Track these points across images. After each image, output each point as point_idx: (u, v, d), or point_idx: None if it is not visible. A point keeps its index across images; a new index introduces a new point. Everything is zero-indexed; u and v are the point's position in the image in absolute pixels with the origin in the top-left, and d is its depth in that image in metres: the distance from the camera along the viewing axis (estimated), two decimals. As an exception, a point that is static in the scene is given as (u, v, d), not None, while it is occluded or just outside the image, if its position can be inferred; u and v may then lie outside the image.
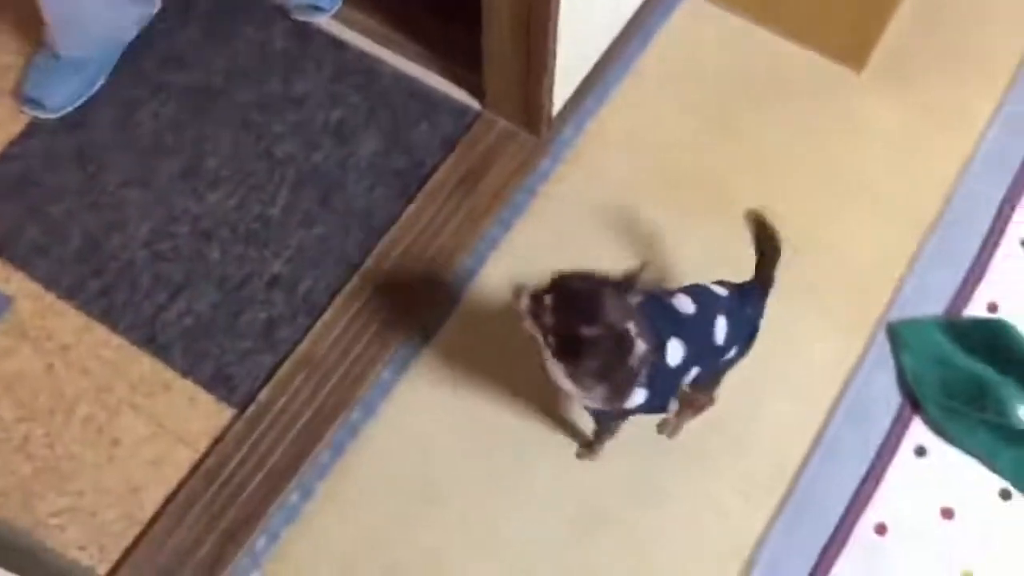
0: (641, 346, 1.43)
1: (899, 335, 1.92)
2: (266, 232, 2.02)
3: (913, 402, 1.87)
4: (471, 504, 1.80)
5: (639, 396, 1.50)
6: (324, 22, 2.23)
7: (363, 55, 2.20)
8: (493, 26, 1.93)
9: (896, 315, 1.95)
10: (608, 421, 1.70)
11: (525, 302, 1.45)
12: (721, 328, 1.55)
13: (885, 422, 1.86)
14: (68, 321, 1.93)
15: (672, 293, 1.58)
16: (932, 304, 1.97)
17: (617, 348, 1.42)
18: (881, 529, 1.78)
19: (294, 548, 1.76)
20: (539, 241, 2.03)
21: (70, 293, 1.95)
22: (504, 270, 2.00)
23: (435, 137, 2.13)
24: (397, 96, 2.16)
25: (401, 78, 2.18)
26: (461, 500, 1.80)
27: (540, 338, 1.46)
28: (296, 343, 1.92)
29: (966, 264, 1.99)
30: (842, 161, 2.10)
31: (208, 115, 2.13)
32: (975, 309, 1.95)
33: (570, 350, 1.43)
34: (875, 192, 2.07)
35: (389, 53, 2.20)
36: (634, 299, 1.48)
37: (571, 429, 1.85)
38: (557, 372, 1.49)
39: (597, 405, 1.54)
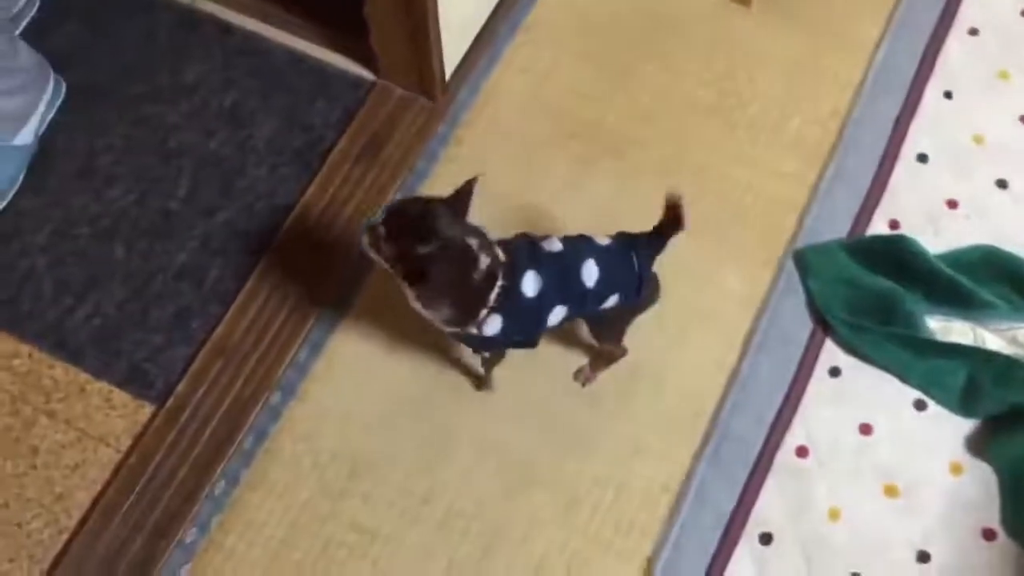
0: (484, 260, 1.46)
1: (805, 260, 1.95)
2: (169, 224, 2.00)
3: (824, 325, 1.90)
4: (399, 474, 1.80)
5: (495, 322, 1.52)
6: (209, 6, 2.19)
7: (251, 36, 2.17)
8: (373, -6, 1.92)
9: (803, 242, 1.98)
10: (482, 349, 1.71)
11: (364, 238, 1.48)
12: (590, 271, 1.55)
13: (798, 347, 1.89)
14: (-26, 335, 1.91)
15: (546, 237, 1.60)
16: (836, 228, 1.99)
17: (459, 263, 1.46)
18: (802, 452, 1.81)
19: (225, 538, 1.76)
20: (445, 205, 2.02)
21: (-27, 307, 1.92)
22: (413, 238, 1.99)
23: (332, 111, 2.11)
24: (290, 74, 2.14)
25: (292, 56, 2.16)
26: (388, 471, 1.81)
27: (387, 268, 1.49)
28: (209, 332, 1.91)
29: (866, 185, 2.02)
30: (738, 95, 2.12)
31: (98, 112, 2.09)
32: (877, 228, 1.99)
33: (413, 272, 1.47)
34: (772, 122, 2.09)
35: (278, 32, 2.18)
36: (508, 237, 1.53)
37: (464, 368, 1.87)
38: (411, 298, 1.52)
39: (452, 328, 1.56)
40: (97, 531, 1.76)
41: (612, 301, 1.60)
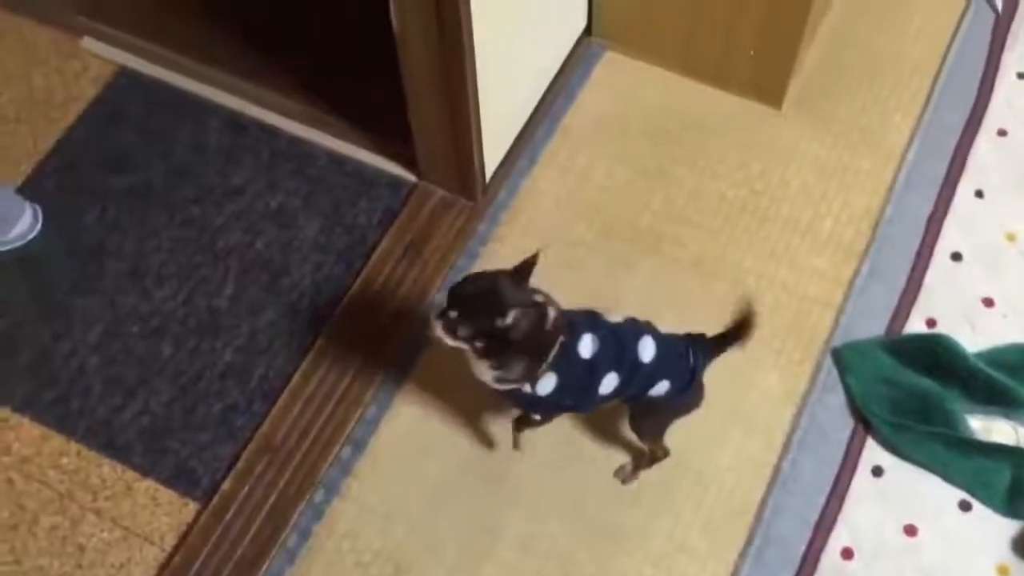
0: (552, 313, 1.51)
1: (844, 359, 1.96)
2: (216, 323, 2.04)
3: (865, 423, 1.90)
4: (441, 573, 1.80)
5: (549, 381, 1.55)
6: (256, 111, 2.27)
7: (297, 139, 2.25)
8: (417, 100, 1.98)
9: (840, 339, 1.99)
10: (532, 411, 1.71)
11: (437, 327, 1.52)
12: (647, 347, 1.59)
13: (840, 446, 1.89)
14: (25, 433, 1.94)
15: (608, 310, 1.64)
16: (873, 326, 2.01)
17: (533, 322, 1.50)
18: (847, 553, 1.80)
19: (269, 637, 1.76)
20: (486, 304, 2.06)
21: (25, 405, 1.96)
22: (454, 336, 2.03)
23: (375, 212, 2.17)
24: (333, 176, 2.21)
25: (336, 158, 2.23)
26: (431, 570, 1.81)
27: (467, 347, 1.53)
28: (254, 430, 1.94)
29: (901, 283, 2.04)
30: (771, 195, 2.16)
31: (149, 214, 2.16)
32: (914, 326, 2.00)
33: (494, 347, 1.50)
34: (806, 221, 2.12)
35: (322, 135, 2.25)
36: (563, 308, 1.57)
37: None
38: (480, 368, 1.55)
39: (510, 386, 1.57)
40: (141, 632, 1.77)
41: (662, 388, 1.62)
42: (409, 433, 1.93)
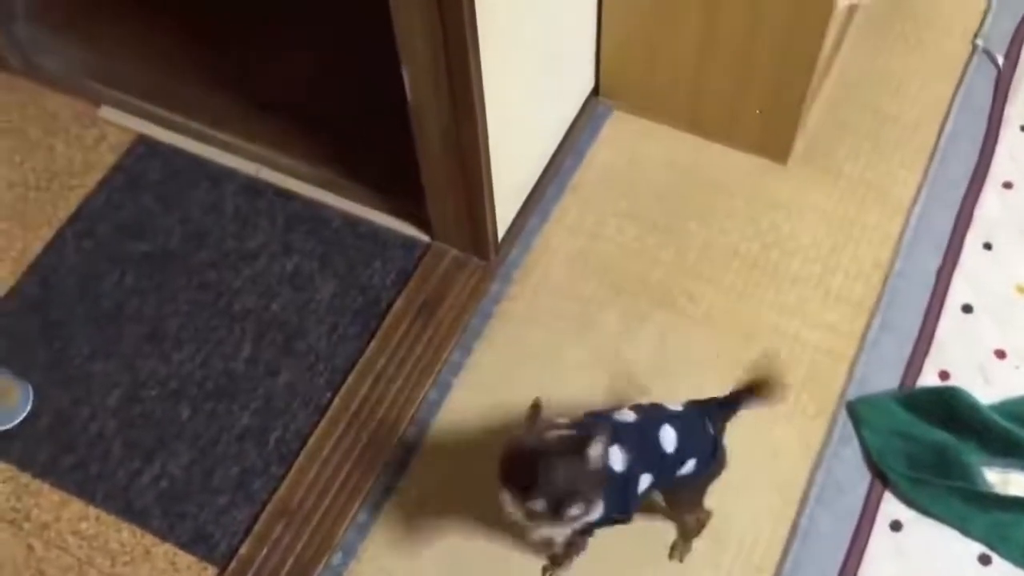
0: (596, 448, 1.46)
1: (858, 413, 1.96)
2: (233, 386, 2.06)
3: (882, 478, 1.90)
4: (461, 635, 1.80)
5: (599, 507, 1.52)
6: (270, 175, 2.32)
7: (311, 202, 2.29)
8: (430, 163, 2.02)
9: (854, 393, 2.00)
10: (585, 537, 1.71)
11: (539, 532, 1.49)
12: (669, 437, 1.58)
13: (858, 500, 1.89)
14: (44, 499, 1.95)
15: (616, 408, 1.63)
16: (886, 379, 2.02)
17: (580, 465, 1.45)
18: (868, 610, 1.79)
19: None
20: (500, 361, 2.08)
21: (44, 471, 1.97)
22: (469, 394, 2.04)
23: (389, 273, 2.19)
24: (348, 238, 2.24)
25: (350, 220, 2.26)
26: (450, 632, 1.81)
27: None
28: (272, 493, 1.94)
29: (913, 336, 2.06)
30: (781, 249, 2.18)
31: (167, 278, 2.19)
32: (928, 378, 2.01)
33: (558, 504, 1.45)
34: (816, 275, 2.14)
35: (336, 198, 2.29)
36: (578, 417, 1.55)
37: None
38: (546, 532, 1.51)
39: (575, 528, 1.54)
40: None
41: (689, 466, 1.62)
42: (426, 493, 1.94)
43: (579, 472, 1.45)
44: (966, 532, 1.84)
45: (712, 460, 1.65)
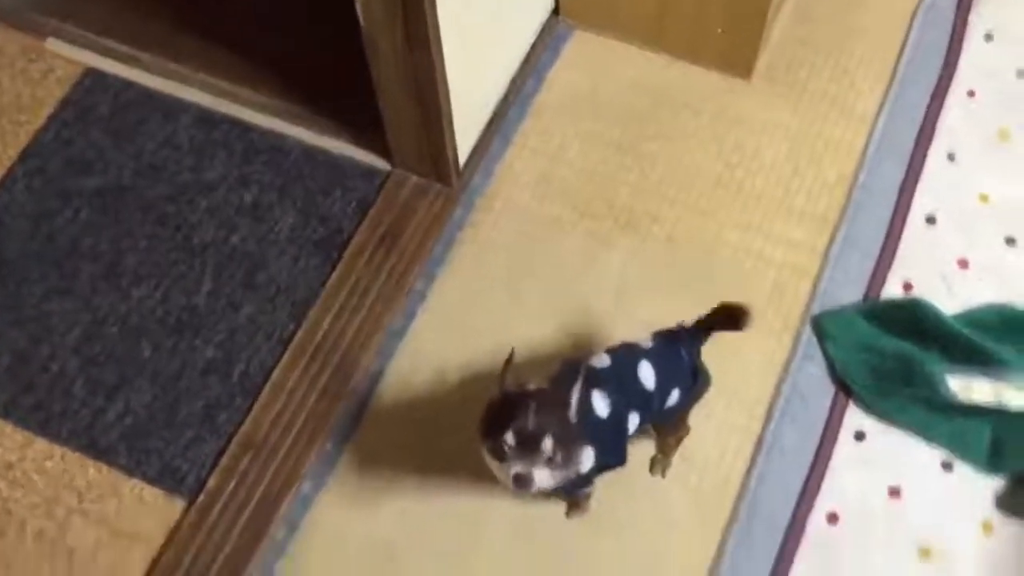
0: (572, 400, 1.47)
1: (822, 328, 1.97)
2: (194, 320, 2.04)
3: (846, 390, 1.92)
4: (432, 559, 1.81)
5: (588, 456, 1.52)
6: (226, 106, 2.26)
7: (268, 133, 2.24)
8: (385, 89, 1.97)
9: (818, 308, 2.00)
10: (580, 488, 1.71)
11: (504, 467, 1.46)
12: (647, 374, 1.58)
13: (822, 414, 1.91)
14: (7, 439, 1.93)
15: (591, 354, 1.62)
16: (850, 292, 2.02)
17: (557, 410, 1.46)
18: (833, 518, 1.81)
19: (262, 630, 1.76)
20: (465, 288, 2.06)
21: (5, 411, 1.95)
22: (434, 322, 2.03)
23: (349, 202, 2.16)
24: (306, 168, 2.20)
25: (308, 150, 2.22)
26: (422, 557, 1.81)
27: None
28: (238, 426, 1.93)
29: (876, 249, 2.05)
30: (745, 167, 2.16)
31: (123, 214, 2.15)
32: (891, 290, 2.01)
33: (528, 441, 1.44)
34: (780, 192, 2.13)
35: (293, 127, 2.24)
36: (553, 370, 1.55)
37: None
38: (546, 478, 1.48)
39: (562, 481, 1.52)
40: (134, 631, 1.77)
41: (674, 397, 1.62)
42: (395, 420, 1.93)
43: (553, 413, 1.44)
44: (929, 440, 1.86)
45: (695, 385, 1.65)
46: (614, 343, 1.68)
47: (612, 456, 1.60)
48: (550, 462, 1.44)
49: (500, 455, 1.45)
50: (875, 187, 2.12)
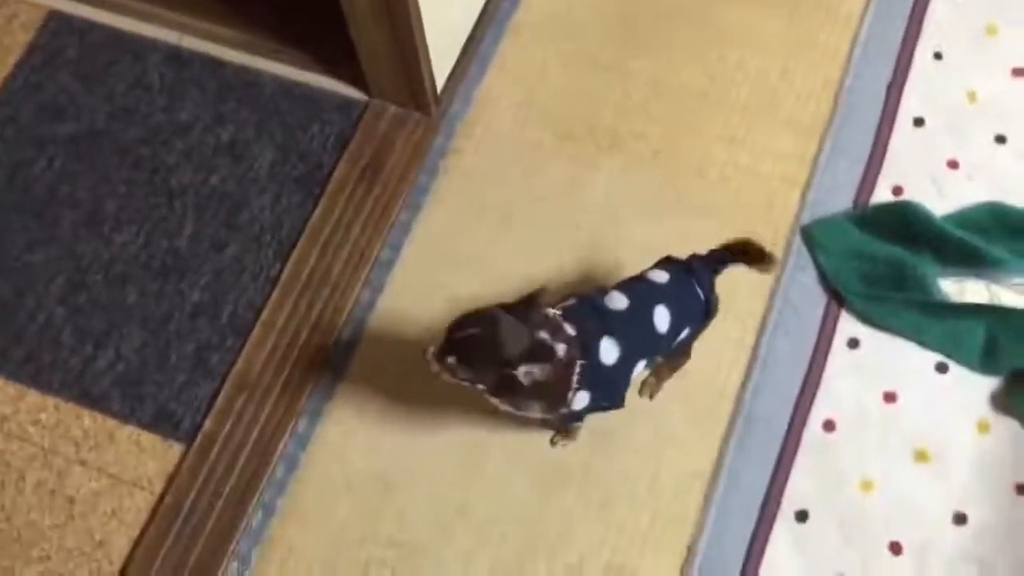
0: (561, 349, 1.44)
1: (813, 236, 1.95)
2: (179, 263, 2.01)
3: (838, 298, 1.91)
4: (431, 486, 1.82)
5: (582, 398, 1.51)
6: (195, 43, 2.21)
7: (241, 69, 2.19)
8: (356, 15, 1.92)
9: (808, 217, 1.98)
10: (571, 422, 1.72)
11: (435, 367, 1.47)
12: (662, 317, 1.54)
13: (815, 322, 1.90)
14: (0, 393, 1.92)
15: (605, 292, 1.58)
16: (840, 200, 2.00)
17: (539, 360, 1.43)
18: (829, 426, 1.82)
19: (267, 568, 1.77)
20: (450, 217, 2.04)
21: (-5, 365, 1.94)
22: (421, 252, 2.01)
23: (328, 136, 2.12)
24: (283, 103, 2.15)
25: (283, 84, 2.17)
26: (420, 485, 1.82)
27: (469, 386, 1.48)
28: (230, 367, 1.92)
29: (865, 154, 2.03)
30: (730, 79, 2.12)
31: (98, 159, 2.11)
32: (881, 195, 1.99)
33: (499, 388, 1.46)
34: (766, 102, 2.09)
35: (266, 62, 2.19)
36: (566, 302, 1.51)
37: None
38: (496, 404, 1.51)
39: (543, 416, 1.56)
40: (141, 574, 1.78)
41: (685, 334, 1.61)
42: (387, 353, 1.92)
43: (507, 347, 1.42)
44: (922, 343, 1.86)
45: (704, 319, 1.63)
46: (627, 277, 1.62)
47: (609, 400, 1.58)
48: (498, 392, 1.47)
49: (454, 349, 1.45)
50: (862, 91, 2.08)
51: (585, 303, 1.55)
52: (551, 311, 1.50)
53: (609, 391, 1.57)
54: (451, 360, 1.44)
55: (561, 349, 1.45)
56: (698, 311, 1.61)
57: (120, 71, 2.18)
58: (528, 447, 1.83)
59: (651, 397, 1.85)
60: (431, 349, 1.47)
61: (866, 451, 1.80)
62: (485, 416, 1.85)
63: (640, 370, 1.59)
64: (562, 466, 1.82)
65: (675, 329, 1.58)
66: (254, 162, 2.10)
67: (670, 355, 1.73)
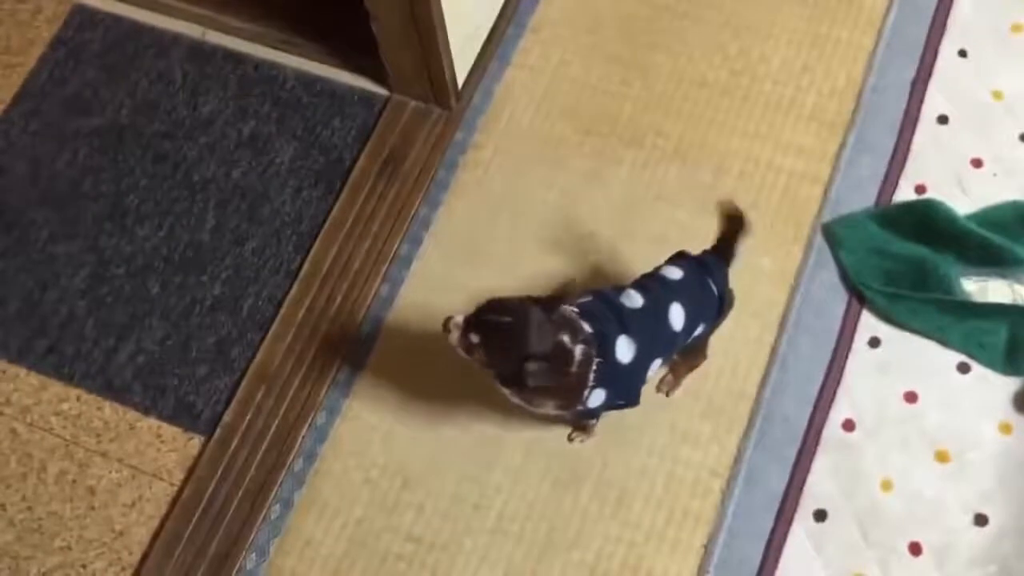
0: (579, 351, 1.45)
1: (834, 234, 1.94)
2: (200, 257, 2.03)
3: (859, 297, 1.89)
4: (449, 482, 1.82)
5: (598, 396, 1.51)
6: (218, 38, 2.22)
7: (263, 64, 2.20)
8: (379, 10, 1.92)
9: (830, 215, 1.97)
10: (585, 419, 1.72)
11: (455, 337, 1.47)
12: (677, 315, 1.54)
13: (836, 321, 1.89)
14: (23, 384, 1.94)
15: (622, 289, 1.58)
16: (863, 198, 1.98)
17: (554, 364, 1.44)
18: (849, 425, 1.81)
19: (285, 560, 1.78)
20: (470, 212, 2.04)
21: (19, 356, 1.96)
22: (441, 246, 2.01)
23: (349, 130, 2.12)
24: (304, 98, 2.16)
25: (304, 79, 2.18)
26: (438, 480, 1.82)
27: (479, 367, 1.48)
28: (250, 359, 1.93)
29: (888, 152, 2.01)
30: (751, 74, 2.11)
31: (121, 153, 2.12)
32: (904, 194, 1.97)
33: (511, 380, 1.47)
34: (788, 98, 2.08)
35: (287, 56, 2.20)
36: (583, 298, 1.51)
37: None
38: (506, 394, 1.51)
39: (557, 412, 1.56)
40: (159, 565, 1.79)
41: (700, 330, 1.61)
42: (406, 347, 1.93)
43: (530, 343, 1.43)
44: (944, 343, 1.85)
45: (719, 315, 1.62)
46: (642, 274, 1.63)
47: (625, 398, 1.58)
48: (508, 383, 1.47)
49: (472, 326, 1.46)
50: (886, 88, 2.06)
51: (602, 300, 1.55)
52: (569, 308, 1.50)
53: (625, 389, 1.57)
54: (474, 338, 1.45)
55: (579, 352, 1.46)
56: (712, 307, 1.61)
57: (143, 65, 2.20)
58: (545, 443, 1.83)
59: (668, 394, 1.84)
60: (457, 319, 1.47)
61: (886, 451, 1.79)
62: (502, 412, 1.85)
63: (656, 368, 1.59)
64: (579, 463, 1.82)
65: (690, 326, 1.58)
66: (275, 156, 2.11)
67: (686, 352, 1.72)
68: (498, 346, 1.45)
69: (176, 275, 2.01)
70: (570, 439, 1.82)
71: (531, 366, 1.41)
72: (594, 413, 1.63)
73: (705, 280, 1.59)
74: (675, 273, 1.59)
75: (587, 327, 1.48)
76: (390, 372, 1.91)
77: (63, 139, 2.14)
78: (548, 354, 1.43)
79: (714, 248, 1.64)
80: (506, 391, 1.52)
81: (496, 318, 1.45)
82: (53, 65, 2.21)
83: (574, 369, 1.46)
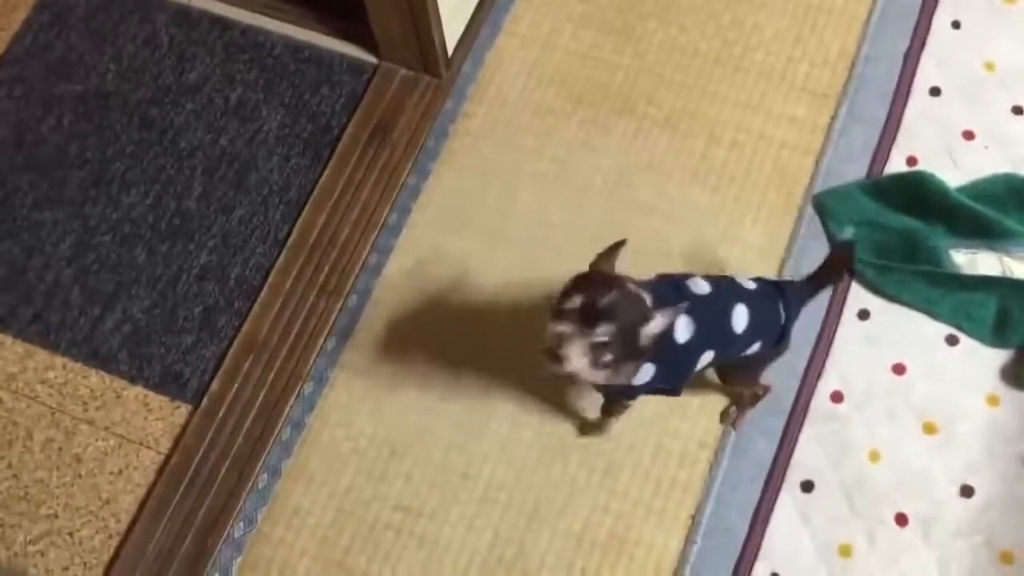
0: (658, 320, 1.39)
1: (825, 205, 1.93)
2: (187, 225, 2.01)
3: (849, 269, 1.89)
4: (437, 451, 1.82)
5: (647, 371, 1.47)
6: (204, 3, 2.19)
7: (249, 29, 2.17)
8: (367, -25, 1.90)
9: (821, 186, 1.96)
10: (618, 398, 1.68)
11: (579, 356, 1.37)
12: (740, 316, 1.50)
13: (825, 292, 1.88)
14: (8, 351, 1.93)
15: (689, 276, 1.54)
16: (854, 169, 1.97)
17: (633, 314, 1.37)
18: (837, 397, 1.81)
19: (273, 529, 1.78)
20: (460, 181, 2.02)
21: (4, 324, 1.94)
22: (430, 216, 1.99)
23: (338, 98, 2.10)
24: (292, 64, 2.13)
25: (292, 45, 2.15)
26: (426, 449, 1.82)
27: (591, 355, 1.38)
28: (238, 328, 1.92)
29: (880, 123, 2.00)
30: (744, 44, 2.09)
31: (107, 119, 2.10)
32: (895, 165, 1.97)
33: (626, 349, 1.38)
34: (780, 68, 2.06)
35: (275, 22, 2.17)
36: (645, 279, 1.46)
37: (570, 410, 1.84)
38: (575, 355, 1.38)
39: (608, 379, 1.45)
40: (147, 533, 1.79)
41: (754, 348, 1.57)
42: (395, 317, 1.92)
43: (630, 316, 1.35)
44: (933, 315, 1.85)
45: (777, 344, 1.59)
46: (719, 273, 1.60)
47: (670, 382, 1.54)
48: (595, 353, 1.36)
49: (557, 315, 1.36)
50: (878, 59, 2.05)
51: (667, 281, 1.51)
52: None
53: (673, 371, 1.52)
54: (601, 329, 1.35)
55: (657, 321, 1.39)
56: (774, 330, 1.57)
57: (129, 30, 2.17)
58: (533, 415, 1.83)
59: (734, 427, 1.80)
60: (561, 328, 1.37)
61: (874, 422, 1.79)
62: (490, 383, 1.85)
63: (707, 361, 1.54)
64: (565, 432, 1.82)
65: (750, 334, 1.53)
66: (263, 123, 2.08)
67: (738, 372, 1.68)
68: (622, 318, 1.36)
69: (163, 243, 2.00)
70: (583, 432, 1.80)
71: (656, 321, 1.36)
72: (635, 393, 1.59)
73: (776, 302, 1.56)
74: (749, 284, 1.56)
75: (649, 297, 1.42)
76: (378, 342, 1.90)
77: (48, 104, 2.11)
78: (631, 296, 1.37)
79: (804, 280, 1.63)
80: (601, 372, 1.41)
81: (607, 298, 1.36)
82: (37, 29, 2.17)
83: (646, 331, 1.39)
